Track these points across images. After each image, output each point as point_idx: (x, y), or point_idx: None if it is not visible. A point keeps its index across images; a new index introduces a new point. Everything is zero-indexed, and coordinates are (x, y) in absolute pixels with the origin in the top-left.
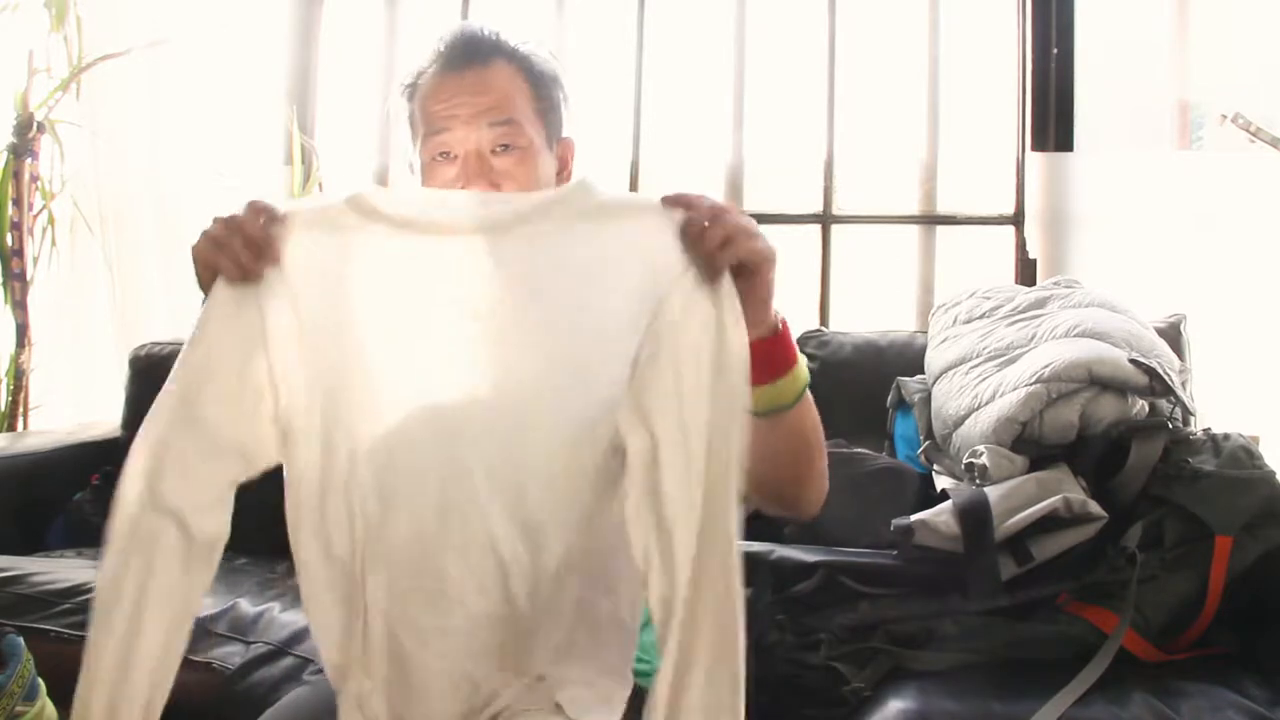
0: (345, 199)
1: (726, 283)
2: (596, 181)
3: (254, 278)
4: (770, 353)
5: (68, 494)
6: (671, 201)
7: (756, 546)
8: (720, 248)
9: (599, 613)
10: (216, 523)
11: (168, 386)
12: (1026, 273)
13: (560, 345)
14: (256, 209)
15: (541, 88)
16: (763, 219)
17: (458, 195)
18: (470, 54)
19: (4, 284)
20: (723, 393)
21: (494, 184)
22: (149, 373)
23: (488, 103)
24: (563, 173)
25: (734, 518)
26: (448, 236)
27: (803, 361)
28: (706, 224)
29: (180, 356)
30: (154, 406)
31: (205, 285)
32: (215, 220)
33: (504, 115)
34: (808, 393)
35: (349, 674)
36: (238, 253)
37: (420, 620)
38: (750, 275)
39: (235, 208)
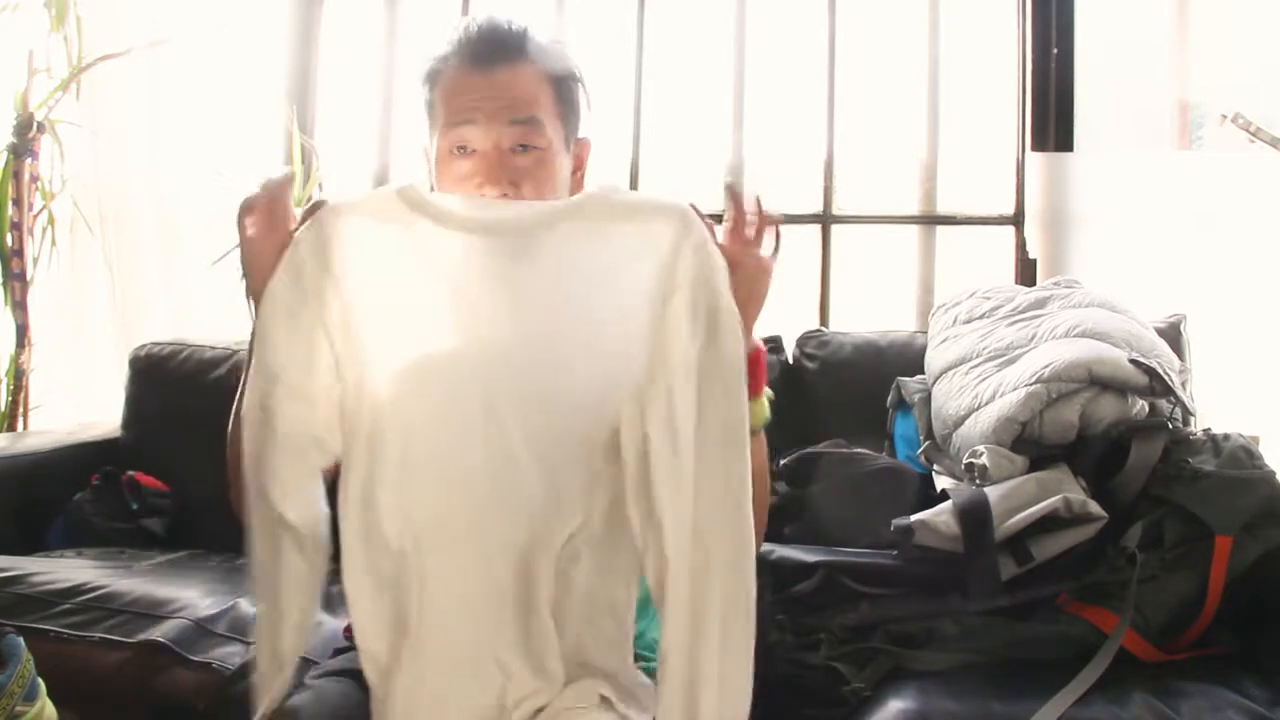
0: (396, 190)
1: (726, 295)
2: (617, 186)
3: (280, 215)
4: (749, 367)
5: (68, 494)
6: (697, 212)
7: None
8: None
9: (605, 599)
10: (307, 514)
11: (248, 394)
12: (1026, 273)
13: (578, 331)
14: (311, 207)
15: (563, 89)
16: None
17: (498, 200)
18: (497, 51)
19: (4, 284)
20: (727, 401)
21: (511, 182)
22: (149, 373)
23: (511, 101)
24: (577, 172)
25: (745, 496)
26: (487, 235)
27: (766, 397)
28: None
29: (252, 361)
30: (243, 412)
31: (254, 288)
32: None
33: (526, 114)
34: (762, 435)
35: (399, 669)
36: (257, 201)
37: (463, 588)
38: (758, 273)
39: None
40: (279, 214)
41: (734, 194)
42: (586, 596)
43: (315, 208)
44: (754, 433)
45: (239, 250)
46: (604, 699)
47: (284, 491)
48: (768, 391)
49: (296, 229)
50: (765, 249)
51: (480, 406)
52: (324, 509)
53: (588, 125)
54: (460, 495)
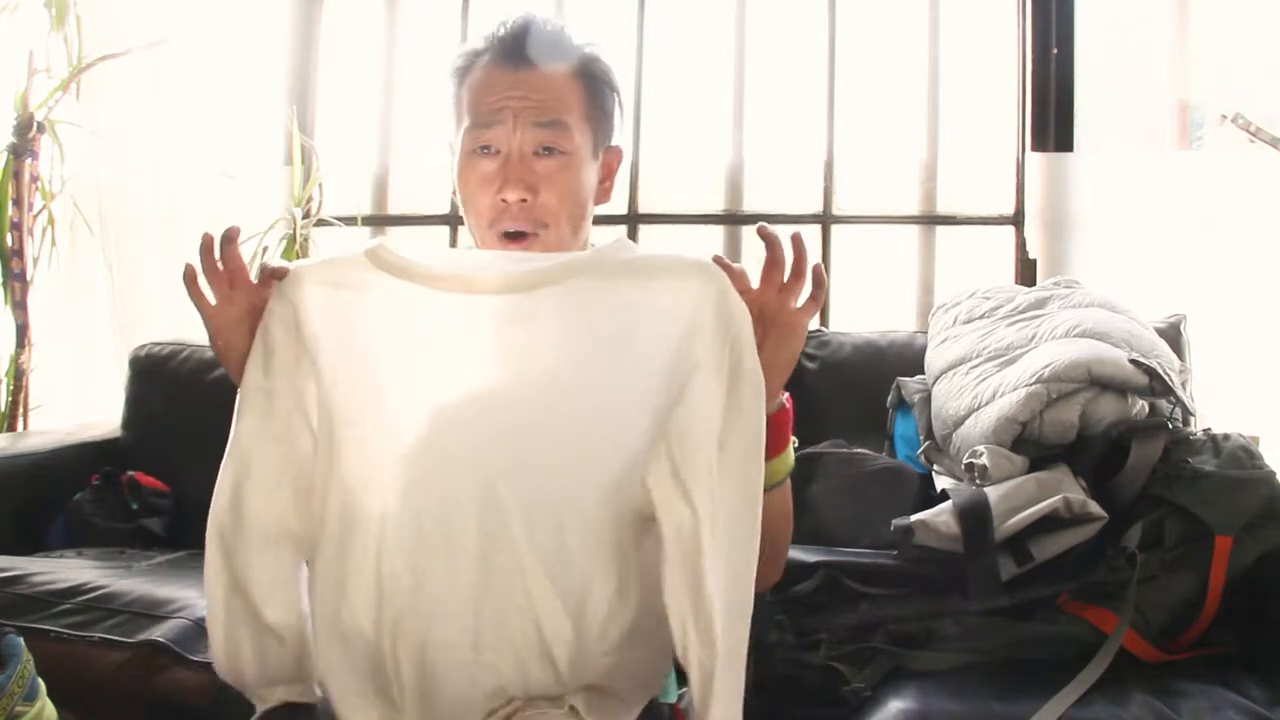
0: (366, 252)
1: (751, 355)
2: (630, 243)
3: (240, 284)
4: (772, 428)
5: (68, 494)
6: (723, 264)
7: None
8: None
9: (640, 656)
10: (280, 610)
11: (220, 481)
12: (1026, 273)
13: (591, 404)
14: (265, 273)
15: (596, 94)
16: (763, 219)
17: (488, 254)
18: (529, 50)
19: (4, 284)
20: (746, 466)
21: (532, 187)
22: (149, 373)
23: (538, 102)
24: (605, 181)
25: (750, 583)
26: (477, 295)
27: (791, 447)
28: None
29: (229, 445)
30: (213, 499)
31: (232, 365)
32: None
33: (552, 117)
34: (788, 481)
35: None
36: (217, 272)
37: (457, 692)
38: (790, 336)
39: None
40: (236, 278)
41: (768, 236)
42: (619, 652)
43: (276, 273)
44: (779, 484)
45: (203, 325)
46: (572, 709)
47: (261, 589)
48: (793, 440)
49: (260, 292)
50: (801, 296)
51: (476, 493)
52: (305, 608)
53: (620, 133)
54: (450, 592)
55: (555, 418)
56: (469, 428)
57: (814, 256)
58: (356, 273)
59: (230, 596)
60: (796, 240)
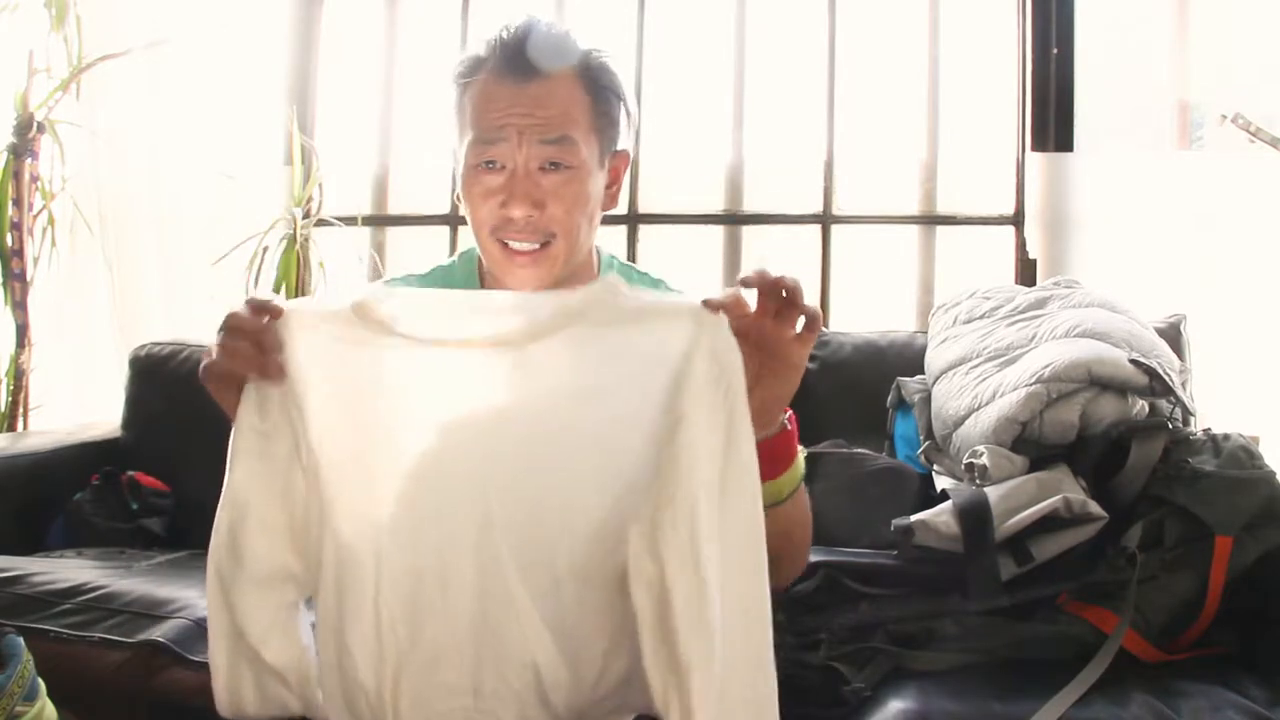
0: (353, 306)
1: (742, 402)
2: (621, 282)
3: (272, 373)
4: (775, 450)
5: (68, 494)
6: (717, 303)
7: None
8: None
9: (637, 696)
10: (279, 651)
11: (217, 520)
12: (1026, 273)
13: (581, 448)
14: (255, 306)
15: (602, 102)
16: (763, 219)
17: (480, 297)
18: (532, 59)
19: (4, 284)
20: (739, 520)
21: (538, 203)
22: (149, 373)
23: (544, 117)
24: (613, 187)
25: (766, 644)
26: (467, 349)
27: (801, 455)
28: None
29: (224, 487)
30: (211, 538)
31: (226, 405)
32: (219, 332)
33: (558, 133)
34: (802, 486)
35: None
36: (248, 352)
37: None
38: (788, 369)
39: (234, 307)
40: (267, 347)
41: (752, 283)
42: (618, 695)
43: (271, 311)
44: (794, 493)
45: (208, 366)
46: None
47: (259, 629)
48: (801, 449)
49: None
50: (797, 326)
51: (471, 539)
52: (306, 643)
53: (627, 137)
54: (449, 638)
55: (547, 459)
56: (462, 473)
57: (814, 256)
58: (346, 327)
59: (232, 633)
60: (784, 278)
